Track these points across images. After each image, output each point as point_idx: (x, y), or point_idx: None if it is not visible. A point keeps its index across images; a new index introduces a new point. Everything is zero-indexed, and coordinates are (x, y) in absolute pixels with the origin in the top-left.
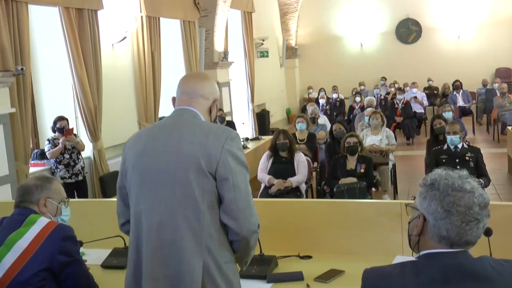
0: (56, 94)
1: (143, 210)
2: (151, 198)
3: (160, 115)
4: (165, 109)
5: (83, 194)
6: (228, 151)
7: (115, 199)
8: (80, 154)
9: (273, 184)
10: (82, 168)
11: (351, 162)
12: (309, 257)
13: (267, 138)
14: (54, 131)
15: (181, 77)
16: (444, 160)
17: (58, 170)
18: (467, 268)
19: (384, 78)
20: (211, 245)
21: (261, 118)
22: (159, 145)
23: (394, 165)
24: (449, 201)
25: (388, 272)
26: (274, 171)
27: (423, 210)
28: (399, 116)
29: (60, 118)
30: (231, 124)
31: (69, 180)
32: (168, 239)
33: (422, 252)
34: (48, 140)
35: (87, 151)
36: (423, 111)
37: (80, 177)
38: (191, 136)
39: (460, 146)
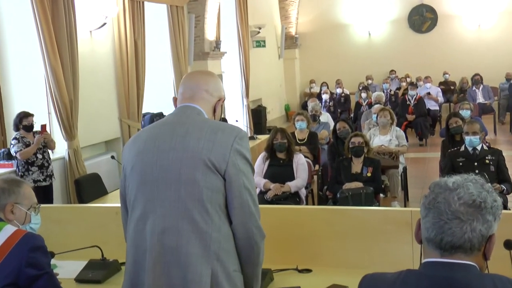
0: (26, 86)
1: (144, 214)
2: (153, 200)
3: (144, 111)
4: (150, 104)
5: (49, 199)
6: (237, 151)
7: (93, 205)
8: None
9: (269, 189)
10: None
11: (357, 165)
12: (309, 270)
13: (263, 138)
14: (17, 129)
15: (183, 77)
16: (461, 164)
17: (30, 172)
18: (460, 284)
19: (394, 72)
20: (220, 251)
21: (257, 115)
22: (162, 142)
23: (404, 169)
24: (430, 199)
25: (382, 278)
26: (271, 175)
27: (420, 213)
28: (411, 114)
29: (27, 114)
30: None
31: (44, 183)
32: (172, 245)
33: (423, 261)
34: (16, 139)
35: (61, 151)
36: (438, 108)
37: (54, 179)
38: (198, 132)
39: (479, 148)
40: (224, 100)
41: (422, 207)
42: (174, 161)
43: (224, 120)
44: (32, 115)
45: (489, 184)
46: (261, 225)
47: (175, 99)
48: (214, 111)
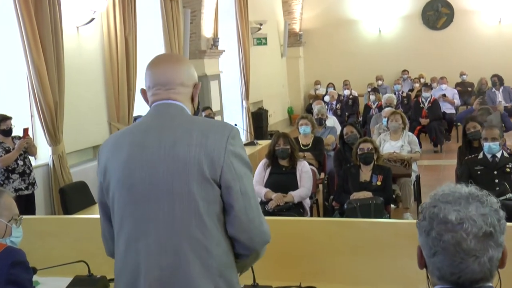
0: (6, 87)
1: (136, 234)
2: (145, 219)
3: (135, 114)
4: (141, 106)
5: (31, 209)
6: (231, 152)
7: (79, 216)
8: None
9: (270, 199)
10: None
11: (365, 173)
12: None
13: (264, 143)
14: None
15: (148, 64)
16: (479, 172)
17: (11, 180)
18: None
19: (406, 72)
20: (222, 266)
21: (258, 119)
22: (149, 153)
23: (418, 177)
24: (434, 237)
25: None
26: (272, 183)
27: (419, 241)
28: (424, 118)
29: (5, 118)
30: None
31: (26, 192)
32: (171, 266)
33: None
34: None
35: (45, 157)
36: (454, 111)
37: (36, 187)
38: (187, 137)
39: (499, 155)
40: (199, 84)
41: (425, 244)
42: (165, 174)
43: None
44: (10, 118)
45: (486, 192)
46: (265, 228)
47: (144, 92)
48: (192, 100)
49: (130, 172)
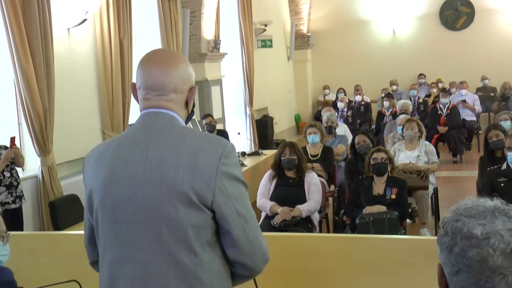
0: None
1: (120, 259)
2: (130, 244)
3: (130, 122)
4: (137, 114)
5: (18, 224)
6: (224, 174)
7: (70, 232)
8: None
9: (276, 213)
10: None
11: (379, 186)
12: None
13: (270, 153)
14: None
15: (141, 60)
16: (502, 184)
17: None
18: None
19: (423, 76)
20: None
21: (262, 127)
22: (134, 171)
23: (435, 190)
24: (457, 253)
25: None
26: (278, 196)
27: (439, 259)
28: (443, 126)
29: None
30: (223, 135)
31: (13, 205)
32: None
33: None
34: None
35: (33, 168)
36: (474, 119)
37: (24, 201)
38: (175, 156)
39: None
40: (196, 87)
41: (447, 261)
42: (150, 197)
43: (223, 133)
44: None
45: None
46: (264, 248)
47: (133, 88)
48: (187, 104)
49: (112, 191)
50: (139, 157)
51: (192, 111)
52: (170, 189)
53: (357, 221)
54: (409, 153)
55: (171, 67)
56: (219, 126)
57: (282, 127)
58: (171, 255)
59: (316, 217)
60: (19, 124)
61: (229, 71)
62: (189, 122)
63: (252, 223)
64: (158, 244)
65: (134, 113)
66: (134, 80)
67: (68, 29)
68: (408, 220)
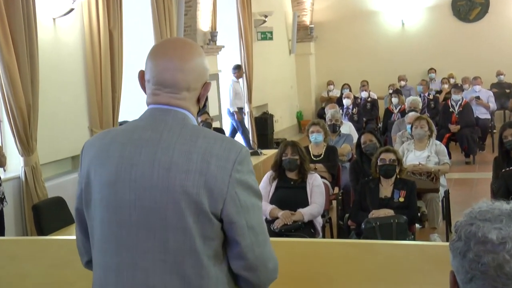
0: None
1: (120, 264)
2: (132, 249)
3: (120, 119)
4: (128, 110)
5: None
6: (237, 181)
7: (55, 237)
8: None
9: (277, 217)
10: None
11: (386, 188)
12: None
13: (270, 153)
14: None
15: (151, 50)
16: None
17: None
18: None
19: (433, 71)
20: None
21: (262, 125)
22: (140, 175)
23: (446, 193)
24: (471, 259)
25: None
26: (279, 199)
27: (451, 265)
28: (454, 124)
29: None
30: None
31: None
32: None
33: None
34: None
35: (16, 169)
36: (489, 117)
37: (5, 204)
38: (185, 160)
39: None
40: (209, 83)
41: (460, 268)
42: (157, 202)
43: (220, 131)
44: None
45: None
46: (271, 266)
47: (142, 76)
48: (199, 100)
49: (117, 191)
50: (147, 158)
51: (204, 105)
52: (178, 196)
53: (363, 226)
54: (419, 153)
55: (185, 61)
56: (215, 124)
57: (283, 125)
58: (175, 266)
59: (319, 222)
60: (0, 121)
61: (227, 65)
62: None
63: (261, 239)
64: (163, 253)
65: (124, 109)
66: (128, 73)
67: (54, 19)
68: (417, 225)
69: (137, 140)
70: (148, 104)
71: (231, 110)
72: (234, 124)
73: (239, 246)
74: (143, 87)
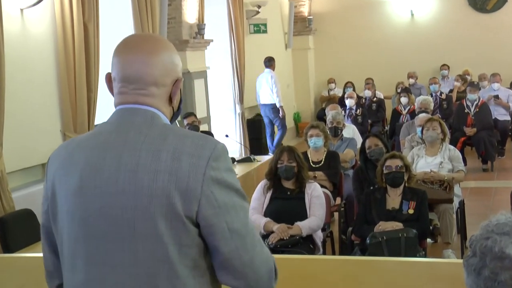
0: None
1: (89, 280)
2: (100, 264)
3: (97, 122)
4: (105, 112)
5: None
6: (213, 180)
7: (23, 255)
8: None
9: (272, 231)
10: None
11: (394, 198)
12: None
13: (264, 160)
14: None
15: (117, 46)
16: None
17: None
18: None
19: (446, 67)
20: None
21: (255, 128)
22: (105, 180)
23: (461, 203)
24: (486, 277)
25: None
26: (274, 211)
27: (465, 284)
28: (470, 127)
29: None
30: None
31: None
32: None
33: None
34: None
35: None
36: (509, 118)
37: None
38: (153, 160)
39: None
40: (182, 79)
41: (472, 281)
42: (124, 209)
43: (208, 134)
44: None
45: None
46: (264, 272)
47: (109, 78)
48: (171, 99)
49: (82, 202)
50: (112, 162)
51: (179, 108)
52: (147, 200)
53: (368, 241)
54: (430, 159)
55: (151, 55)
56: (203, 127)
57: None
58: (148, 279)
59: (319, 236)
60: None
61: (216, 61)
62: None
63: (249, 241)
64: (133, 266)
65: (101, 111)
66: (106, 71)
67: (22, 9)
68: (429, 240)
69: (102, 144)
70: (115, 105)
71: (278, 105)
72: (278, 123)
73: (222, 253)
74: (111, 90)
